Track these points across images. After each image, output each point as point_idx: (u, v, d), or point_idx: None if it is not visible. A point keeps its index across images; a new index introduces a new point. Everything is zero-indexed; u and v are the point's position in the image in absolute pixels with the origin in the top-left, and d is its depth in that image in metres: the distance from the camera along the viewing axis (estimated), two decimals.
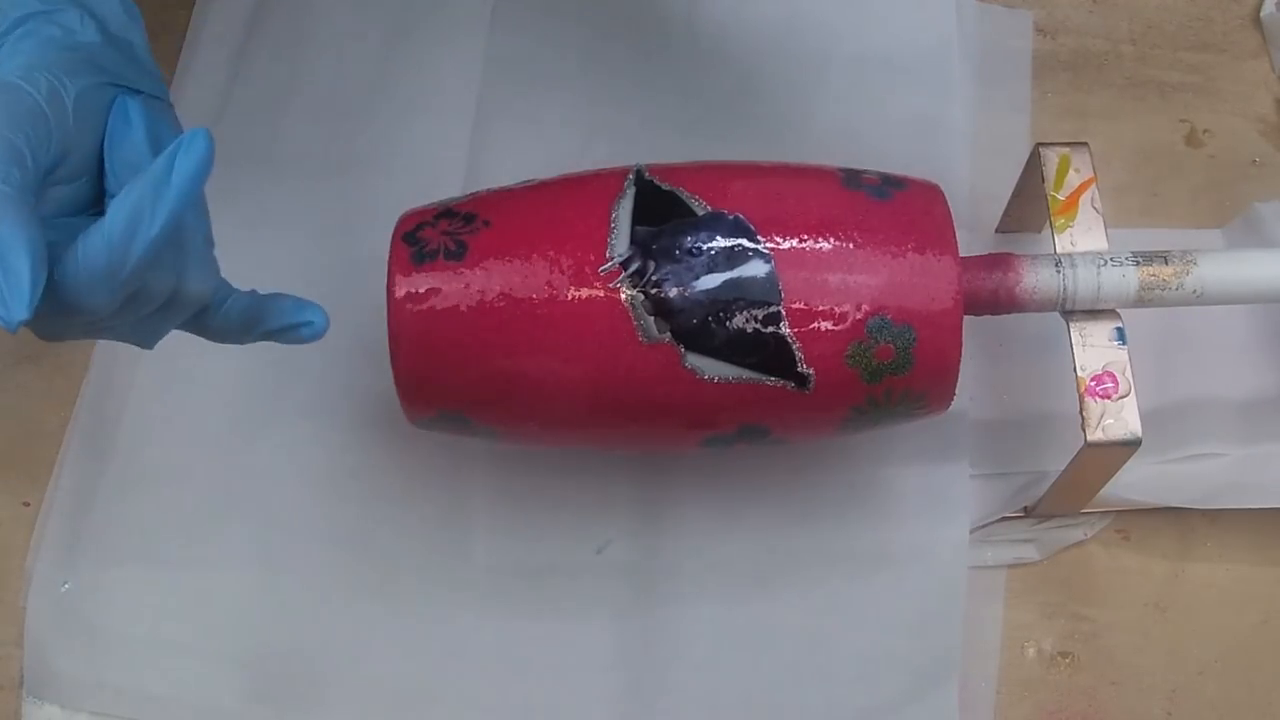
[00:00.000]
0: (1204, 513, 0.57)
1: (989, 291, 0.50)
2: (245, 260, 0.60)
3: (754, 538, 0.56)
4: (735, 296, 0.46)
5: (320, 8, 0.68)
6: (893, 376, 0.47)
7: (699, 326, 0.46)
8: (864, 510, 0.56)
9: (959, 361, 0.48)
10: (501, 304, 0.46)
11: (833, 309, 0.46)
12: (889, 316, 0.46)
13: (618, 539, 0.56)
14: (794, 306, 0.46)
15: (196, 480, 0.57)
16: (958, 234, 0.48)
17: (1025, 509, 0.57)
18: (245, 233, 0.60)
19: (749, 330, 0.46)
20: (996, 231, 0.62)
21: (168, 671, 0.54)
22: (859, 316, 0.46)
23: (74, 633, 0.54)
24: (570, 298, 0.46)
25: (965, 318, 0.48)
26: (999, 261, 0.50)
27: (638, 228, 0.47)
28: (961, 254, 0.48)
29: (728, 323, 0.46)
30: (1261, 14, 0.69)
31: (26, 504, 0.57)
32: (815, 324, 0.46)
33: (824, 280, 0.46)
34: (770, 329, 0.46)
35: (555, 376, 0.47)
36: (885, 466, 0.57)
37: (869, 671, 0.54)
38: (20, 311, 0.34)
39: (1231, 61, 0.68)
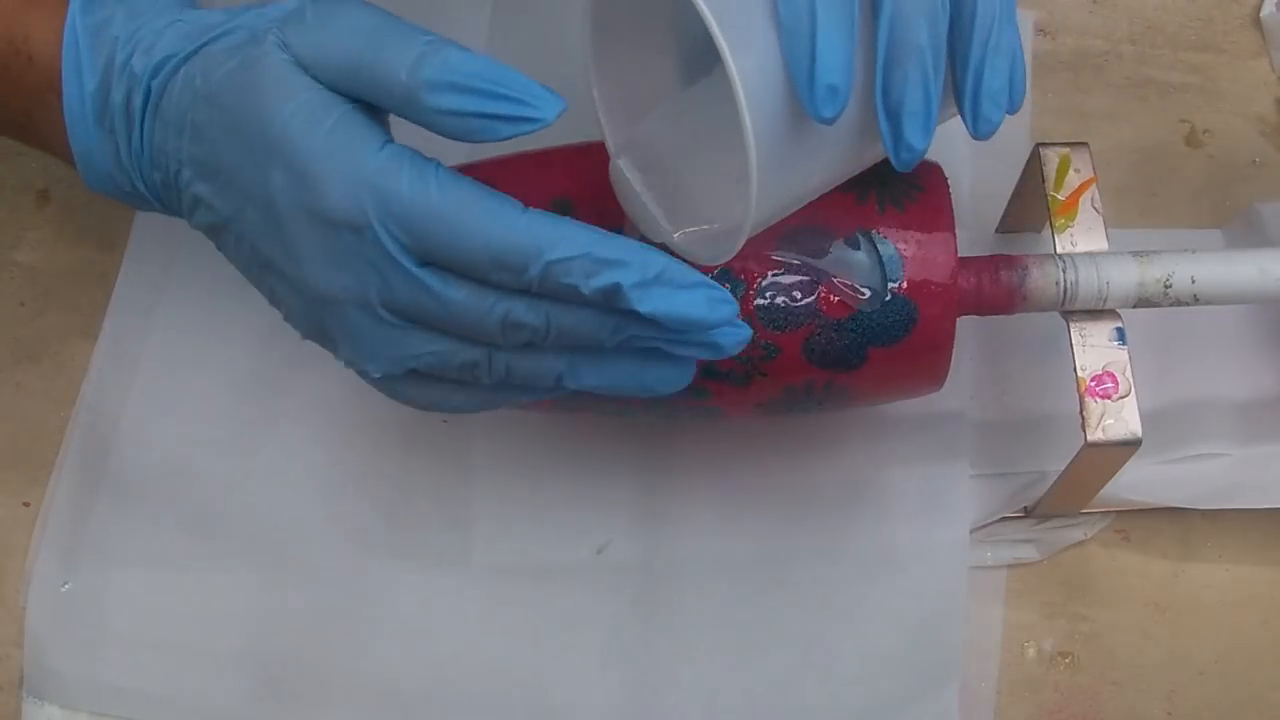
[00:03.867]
0: (1204, 513, 0.57)
1: (990, 291, 0.50)
2: None
3: (754, 538, 0.56)
4: None
5: None
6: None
7: None
8: (864, 510, 0.56)
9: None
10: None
11: None
12: None
13: (618, 539, 0.56)
14: None
15: (196, 480, 0.57)
16: (957, 235, 0.48)
17: (1025, 509, 0.57)
18: None
19: None
20: (996, 232, 0.62)
21: (168, 671, 0.54)
22: None
23: (74, 633, 0.54)
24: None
25: (966, 319, 0.48)
26: (999, 261, 0.50)
27: None
28: (961, 254, 0.48)
29: None
30: (1261, 14, 0.69)
31: (26, 504, 0.57)
32: None
33: None
34: None
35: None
36: (885, 467, 0.57)
37: (869, 671, 0.53)
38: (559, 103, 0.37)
39: (1231, 61, 0.68)
